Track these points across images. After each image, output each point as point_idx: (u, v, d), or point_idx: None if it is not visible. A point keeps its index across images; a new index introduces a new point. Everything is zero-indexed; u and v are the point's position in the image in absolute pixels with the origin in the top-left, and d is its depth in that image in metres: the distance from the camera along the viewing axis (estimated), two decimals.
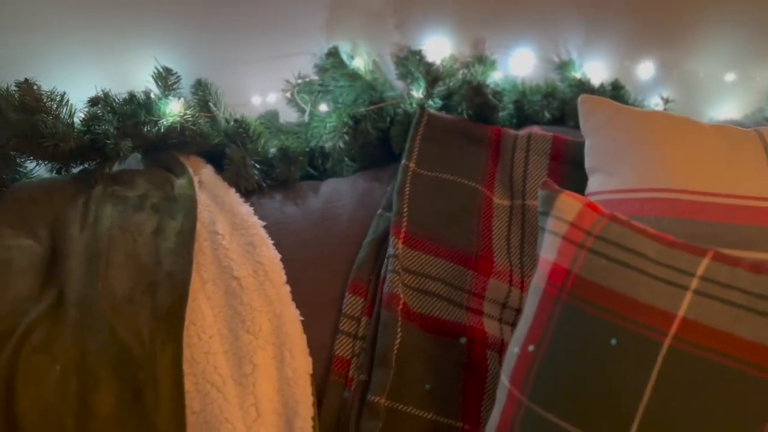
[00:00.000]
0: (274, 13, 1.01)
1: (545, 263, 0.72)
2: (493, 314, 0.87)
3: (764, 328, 0.60)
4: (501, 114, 1.04)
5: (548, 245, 0.72)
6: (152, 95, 0.91)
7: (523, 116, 1.07)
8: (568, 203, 0.72)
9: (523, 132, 0.98)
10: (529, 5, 1.11)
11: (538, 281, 0.73)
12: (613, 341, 0.64)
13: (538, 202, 0.74)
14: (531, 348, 0.70)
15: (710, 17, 1.17)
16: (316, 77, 1.03)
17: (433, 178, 0.93)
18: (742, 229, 0.74)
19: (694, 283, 0.64)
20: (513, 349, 0.73)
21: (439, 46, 1.07)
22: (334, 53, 1.01)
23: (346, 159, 1.01)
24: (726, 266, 0.65)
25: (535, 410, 0.67)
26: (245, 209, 0.88)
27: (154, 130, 0.89)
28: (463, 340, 0.83)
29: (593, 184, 0.86)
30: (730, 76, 1.19)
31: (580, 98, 0.90)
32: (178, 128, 0.89)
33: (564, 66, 1.13)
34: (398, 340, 0.80)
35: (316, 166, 1.03)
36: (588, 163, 0.87)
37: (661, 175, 0.79)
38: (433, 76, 0.99)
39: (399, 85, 1.06)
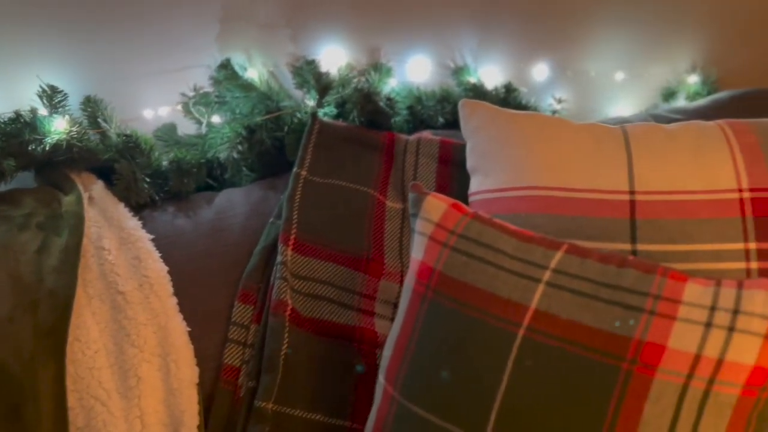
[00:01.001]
0: (165, 27, 1.02)
1: (415, 263, 0.75)
2: (384, 314, 0.90)
3: (608, 315, 0.64)
4: (396, 120, 1.07)
5: (417, 245, 0.75)
6: (39, 113, 0.91)
7: (417, 121, 1.10)
8: (434, 204, 0.75)
9: (413, 137, 1.01)
10: (424, 13, 1.14)
11: (409, 281, 0.75)
12: (474, 334, 0.67)
13: (409, 204, 0.77)
14: (403, 345, 0.73)
15: (599, 18, 1.22)
16: (212, 89, 1.04)
17: (325, 184, 0.95)
18: (602, 221, 0.78)
19: (547, 276, 0.68)
20: (388, 348, 0.75)
21: (336, 56, 1.10)
22: (226, 65, 1.03)
23: (244, 169, 1.03)
24: (577, 258, 0.69)
25: (405, 405, 0.70)
26: (133, 223, 0.88)
27: (39, 149, 0.89)
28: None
29: (474, 184, 0.89)
30: (620, 75, 1.24)
31: (460, 102, 0.93)
32: (64, 145, 0.89)
33: (459, 71, 1.16)
34: (285, 345, 0.81)
35: (215, 177, 1.04)
36: (469, 164, 0.91)
37: (531, 174, 0.83)
38: (323, 84, 1.01)
39: (298, 94, 1.08)
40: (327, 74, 1.04)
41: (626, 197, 0.78)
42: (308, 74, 1.04)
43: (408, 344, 0.72)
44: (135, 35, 1.01)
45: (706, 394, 0.60)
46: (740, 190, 0.75)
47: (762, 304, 0.60)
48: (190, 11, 1.03)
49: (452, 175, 0.97)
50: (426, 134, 1.03)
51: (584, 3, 1.22)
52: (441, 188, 0.96)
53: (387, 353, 0.75)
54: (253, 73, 1.05)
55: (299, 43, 1.08)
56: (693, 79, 1.28)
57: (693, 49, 1.29)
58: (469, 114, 0.92)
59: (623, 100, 1.29)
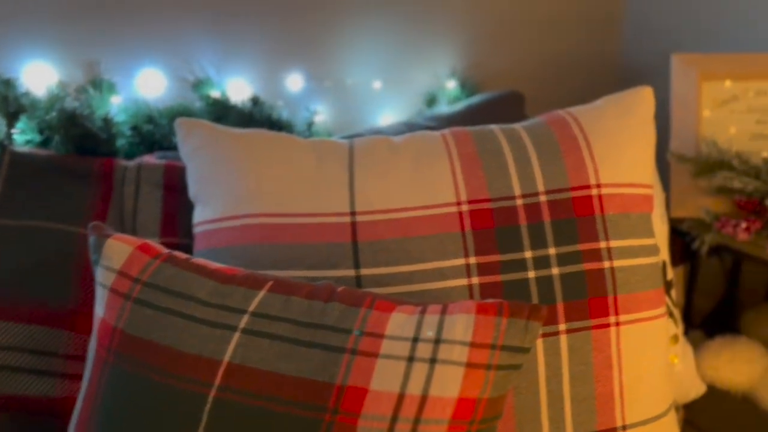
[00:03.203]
0: None
1: (96, 321, 0.63)
2: None
3: (309, 361, 0.56)
4: (120, 142, 0.94)
5: (99, 300, 0.63)
6: None
7: (149, 143, 0.98)
8: (116, 248, 0.63)
9: (133, 162, 0.89)
10: (151, 21, 1.02)
11: (92, 343, 0.63)
12: (160, 403, 0.57)
13: (90, 250, 0.65)
14: (85, 421, 0.60)
15: (353, 26, 1.18)
16: None
17: (18, 228, 0.79)
18: (324, 248, 0.71)
19: (245, 321, 0.59)
20: (72, 425, 0.62)
21: (43, 73, 0.94)
22: None
23: None
24: (281, 296, 0.61)
25: None
26: None
27: None
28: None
29: (197, 213, 0.79)
30: (377, 83, 1.21)
31: (176, 122, 0.82)
32: None
33: (200, 84, 1.05)
34: None
35: None
36: (191, 191, 0.80)
37: (249, 200, 0.74)
38: (15, 108, 0.85)
39: None
40: (26, 95, 0.88)
41: (347, 219, 0.72)
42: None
43: (90, 419, 0.60)
44: None
45: None
46: (459, 203, 0.72)
47: (463, 329, 0.56)
48: None
49: (182, 205, 0.86)
50: (149, 158, 0.90)
51: (336, 10, 1.16)
52: (168, 221, 0.85)
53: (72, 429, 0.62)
54: None
55: None
56: (452, 84, 1.28)
57: (451, 54, 1.30)
58: (186, 134, 0.81)
59: (387, 109, 1.25)
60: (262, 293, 0.61)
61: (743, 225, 0.91)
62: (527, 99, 1.22)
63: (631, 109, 0.77)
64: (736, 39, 1.25)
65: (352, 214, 0.72)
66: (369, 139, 0.80)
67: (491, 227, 0.71)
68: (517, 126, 0.79)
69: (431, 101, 1.27)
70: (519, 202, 0.72)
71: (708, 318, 1.27)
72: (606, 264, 0.71)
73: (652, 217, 0.77)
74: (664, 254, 0.93)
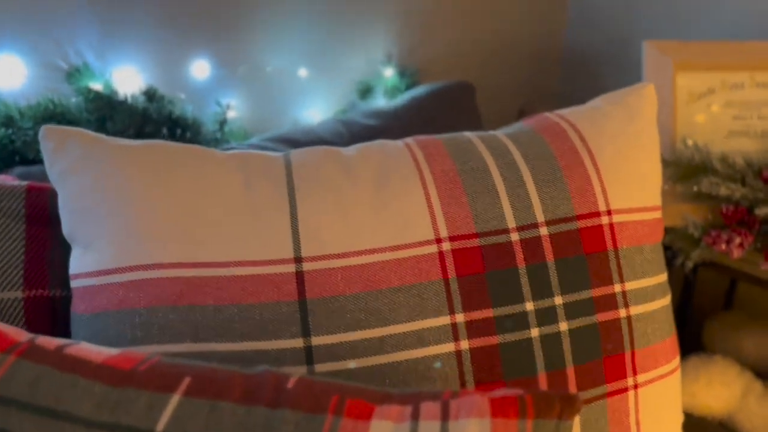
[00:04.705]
0: None
1: None
2: None
3: None
4: None
5: None
6: None
7: (7, 153, 0.74)
8: None
9: None
10: None
11: None
12: None
13: None
14: None
15: (270, 5, 0.97)
16: None
17: None
18: (262, 310, 0.52)
19: None
20: None
21: None
22: None
23: None
24: (204, 404, 0.41)
25: None
26: None
27: None
28: None
29: (74, 261, 0.56)
30: (303, 72, 1.01)
31: (41, 131, 0.59)
32: None
33: (76, 74, 0.81)
34: None
35: None
36: (65, 229, 0.58)
37: (150, 244, 0.53)
38: None
39: None
40: None
41: (291, 268, 0.53)
42: None
43: None
44: None
45: None
46: (439, 241, 0.55)
47: None
48: None
49: (55, 243, 0.63)
50: (5, 178, 0.67)
51: None
52: (34, 267, 0.61)
53: None
54: None
55: None
56: (389, 72, 1.10)
57: (387, 38, 1.11)
58: (55, 149, 0.58)
59: (315, 101, 1.06)
60: (175, 399, 0.41)
61: (737, 240, 0.81)
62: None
63: (638, 113, 0.62)
64: (688, 23, 1.16)
65: (298, 260, 0.53)
66: (310, 153, 0.60)
67: (481, 271, 0.54)
68: (500, 134, 0.62)
69: (366, 91, 1.09)
70: (514, 236, 0.56)
71: None
72: (622, 312, 0.57)
73: (662, 247, 0.63)
74: None
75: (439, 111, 0.96)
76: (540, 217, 0.56)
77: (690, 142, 0.89)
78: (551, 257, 0.55)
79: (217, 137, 0.87)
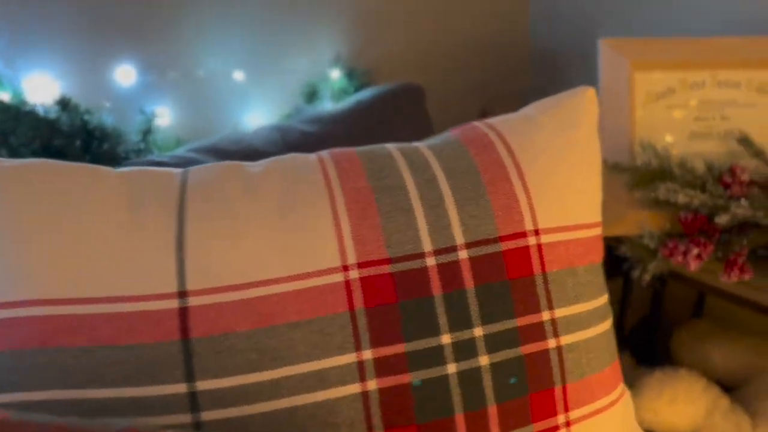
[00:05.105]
0: None
1: None
2: None
3: None
4: None
5: None
6: None
7: None
8: None
9: None
10: None
11: None
12: None
13: None
14: None
15: (201, 9, 0.91)
16: None
17: None
18: (140, 351, 0.46)
19: None
20: None
21: None
22: None
23: None
24: None
25: None
26: None
27: None
28: None
29: None
30: (239, 74, 0.95)
31: None
32: None
33: None
34: None
35: None
36: None
37: (18, 278, 0.47)
38: None
39: None
40: None
41: (174, 303, 0.47)
42: None
43: None
44: None
45: None
46: (345, 269, 0.49)
47: None
48: None
49: None
50: None
51: None
52: None
53: None
54: None
55: None
56: (336, 74, 1.04)
57: (334, 37, 1.06)
58: None
59: (256, 106, 1.00)
60: None
61: (694, 252, 0.76)
62: (426, 91, 1.01)
63: (574, 120, 0.57)
64: (648, 20, 1.10)
65: (182, 294, 0.47)
66: (210, 170, 0.54)
67: (393, 301, 0.49)
68: (422, 146, 0.57)
69: (312, 95, 1.03)
70: (431, 261, 0.50)
71: (632, 333, 1.14)
72: (551, 343, 0.51)
73: (602, 267, 0.58)
74: None
75: (383, 115, 0.91)
76: (459, 239, 0.51)
77: (648, 146, 0.84)
78: (471, 284, 0.50)
79: (141, 147, 0.81)
